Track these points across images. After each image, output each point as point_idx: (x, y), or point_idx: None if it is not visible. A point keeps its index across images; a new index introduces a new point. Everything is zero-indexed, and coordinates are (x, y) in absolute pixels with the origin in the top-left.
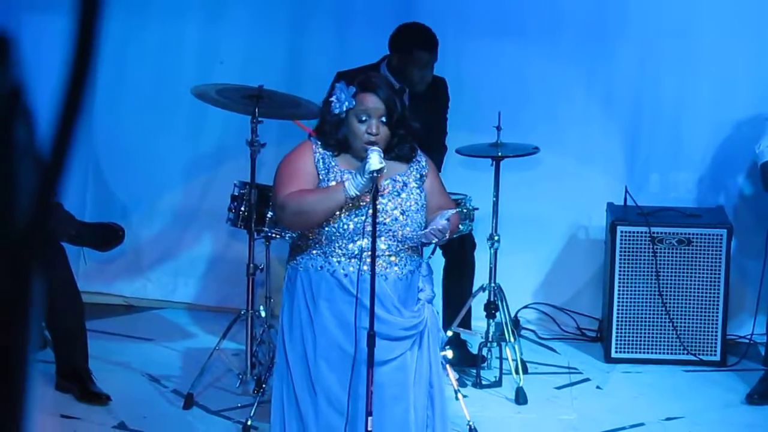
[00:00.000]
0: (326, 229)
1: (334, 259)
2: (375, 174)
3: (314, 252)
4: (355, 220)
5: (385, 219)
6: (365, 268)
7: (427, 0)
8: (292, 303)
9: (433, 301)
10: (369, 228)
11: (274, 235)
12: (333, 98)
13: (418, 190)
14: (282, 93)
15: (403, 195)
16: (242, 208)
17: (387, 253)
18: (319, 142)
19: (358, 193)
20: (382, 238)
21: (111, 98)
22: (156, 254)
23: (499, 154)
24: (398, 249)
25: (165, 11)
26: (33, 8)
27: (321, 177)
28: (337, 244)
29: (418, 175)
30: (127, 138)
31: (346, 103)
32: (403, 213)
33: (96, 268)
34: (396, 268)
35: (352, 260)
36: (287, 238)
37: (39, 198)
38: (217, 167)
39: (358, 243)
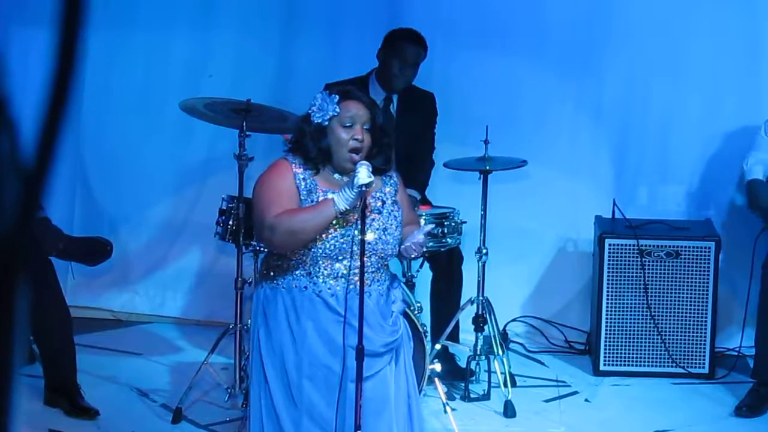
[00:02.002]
0: (311, 249)
1: (320, 279)
2: (364, 188)
3: (297, 272)
4: (341, 240)
5: (368, 237)
6: (351, 286)
7: (415, 14)
8: (268, 322)
9: (403, 312)
10: (356, 247)
11: (262, 249)
12: (314, 107)
13: (396, 207)
14: (270, 107)
15: (384, 213)
16: (230, 222)
17: (371, 270)
18: (296, 161)
19: (347, 207)
20: (367, 256)
21: (98, 112)
22: (144, 268)
23: (487, 167)
24: (379, 266)
25: (152, 24)
26: (22, 22)
27: (302, 197)
28: (322, 264)
29: (393, 191)
30: (114, 152)
31: (330, 111)
32: (384, 231)
33: (84, 282)
34: (378, 285)
35: (339, 279)
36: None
37: (22, 209)
38: (204, 181)
39: (345, 262)
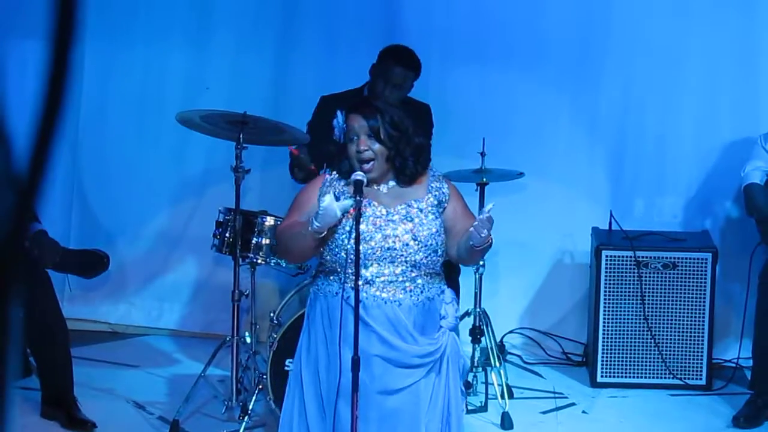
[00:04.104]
0: (339, 255)
1: (348, 285)
2: (338, 213)
3: (331, 277)
4: (365, 246)
5: (395, 244)
6: (378, 293)
7: (412, 26)
8: (310, 327)
9: (457, 329)
10: (379, 254)
11: (259, 261)
12: (334, 129)
13: (433, 216)
14: (266, 119)
15: (416, 220)
16: (227, 234)
17: (401, 278)
18: (335, 172)
19: (319, 225)
20: (396, 264)
21: (95, 124)
22: (141, 281)
23: (484, 179)
24: (414, 275)
25: (149, 37)
26: (19, 34)
27: None
28: (351, 270)
29: (436, 202)
30: (111, 164)
31: (339, 128)
32: (414, 239)
33: (81, 294)
34: (411, 294)
35: (365, 285)
36: (272, 265)
37: (15, 221)
38: (201, 193)
39: (371, 269)
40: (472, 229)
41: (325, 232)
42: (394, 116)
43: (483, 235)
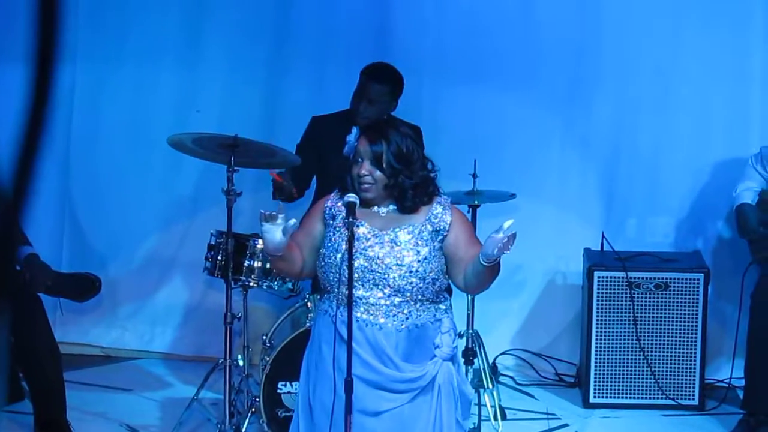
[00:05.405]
0: (330, 275)
1: (340, 306)
2: (279, 236)
3: (327, 296)
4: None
5: (378, 267)
6: (360, 315)
7: (404, 47)
8: (311, 347)
9: (454, 359)
10: (362, 275)
11: (251, 283)
12: (347, 142)
13: (423, 243)
14: (257, 142)
15: (403, 245)
16: (219, 257)
17: (384, 302)
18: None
19: (265, 249)
20: (379, 287)
21: (87, 147)
22: (133, 304)
23: (476, 201)
24: (399, 300)
25: (140, 59)
26: (8, 57)
27: (327, 222)
28: (340, 291)
29: (432, 229)
30: (103, 187)
31: (350, 145)
32: (398, 263)
33: (73, 318)
34: (394, 319)
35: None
36: (264, 288)
37: (1, 239)
38: (193, 216)
39: (359, 291)
40: (493, 234)
41: (282, 253)
42: (402, 146)
43: (494, 251)
